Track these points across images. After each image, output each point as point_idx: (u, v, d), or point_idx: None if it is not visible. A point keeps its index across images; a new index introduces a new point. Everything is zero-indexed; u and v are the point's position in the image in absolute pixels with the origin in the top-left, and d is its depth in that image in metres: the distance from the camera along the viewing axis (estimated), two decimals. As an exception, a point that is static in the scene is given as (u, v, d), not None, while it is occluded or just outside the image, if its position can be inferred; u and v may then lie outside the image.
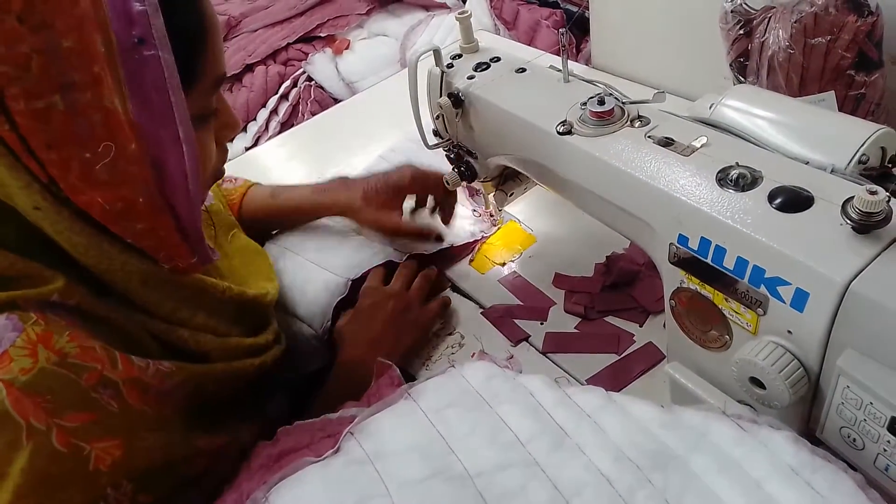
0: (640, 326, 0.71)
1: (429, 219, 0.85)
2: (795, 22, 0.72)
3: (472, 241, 0.86)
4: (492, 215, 0.87)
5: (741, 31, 0.78)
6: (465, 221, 0.88)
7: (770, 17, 0.75)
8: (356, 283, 0.78)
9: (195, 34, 0.47)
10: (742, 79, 0.81)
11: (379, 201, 0.79)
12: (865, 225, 0.41)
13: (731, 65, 0.81)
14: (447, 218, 0.85)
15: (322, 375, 0.70)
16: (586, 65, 1.18)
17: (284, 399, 0.69)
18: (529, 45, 1.29)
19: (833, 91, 0.73)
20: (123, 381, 0.46)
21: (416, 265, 0.81)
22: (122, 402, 0.46)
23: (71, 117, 0.41)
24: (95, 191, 0.43)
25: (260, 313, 0.66)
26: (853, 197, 0.42)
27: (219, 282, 0.59)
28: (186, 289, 0.55)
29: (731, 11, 0.78)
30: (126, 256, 0.47)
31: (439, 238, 0.83)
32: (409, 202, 0.83)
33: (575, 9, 1.29)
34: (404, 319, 0.73)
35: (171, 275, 0.52)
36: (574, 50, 1.26)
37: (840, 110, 0.74)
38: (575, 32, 1.26)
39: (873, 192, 0.41)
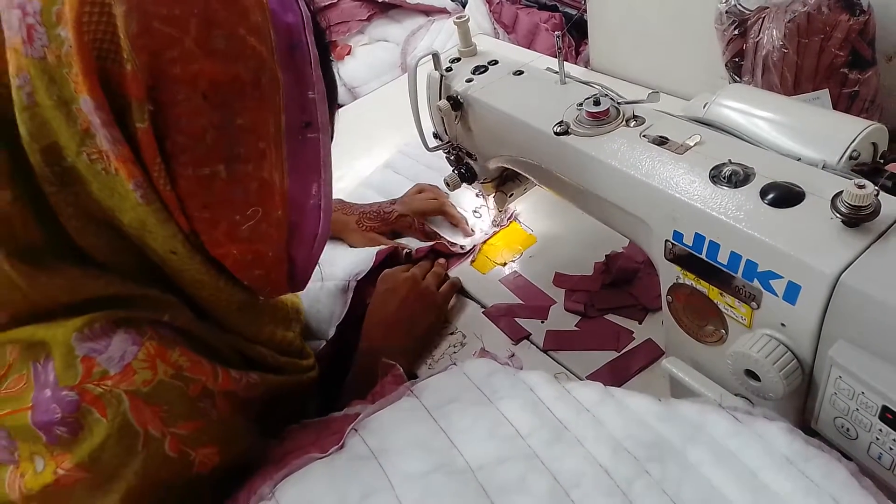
0: (640, 323, 0.71)
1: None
2: (789, 21, 0.73)
3: (473, 244, 0.87)
4: (495, 219, 0.88)
5: (736, 32, 0.79)
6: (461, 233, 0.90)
7: (764, 18, 0.76)
8: (360, 286, 0.79)
9: (329, 101, 0.50)
10: (738, 78, 0.82)
11: (369, 226, 0.88)
12: (854, 218, 0.42)
13: (726, 65, 0.82)
14: (463, 228, 0.90)
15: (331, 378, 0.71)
16: (585, 67, 1.19)
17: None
18: (529, 48, 1.30)
19: (827, 89, 0.74)
20: (219, 393, 0.49)
21: (431, 263, 0.84)
22: (219, 412, 0.49)
23: (230, 185, 0.44)
24: (234, 245, 0.46)
25: (301, 320, 0.70)
26: (842, 191, 0.43)
27: (284, 297, 0.65)
28: (268, 310, 0.59)
29: (726, 12, 0.79)
30: (232, 290, 0.50)
31: (408, 254, 0.86)
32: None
33: (574, 12, 1.30)
34: (420, 302, 0.75)
35: (260, 301, 0.56)
36: (574, 52, 1.27)
37: (834, 108, 0.75)
38: (574, 35, 1.27)
39: (861, 187, 0.42)
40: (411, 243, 0.87)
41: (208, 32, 0.40)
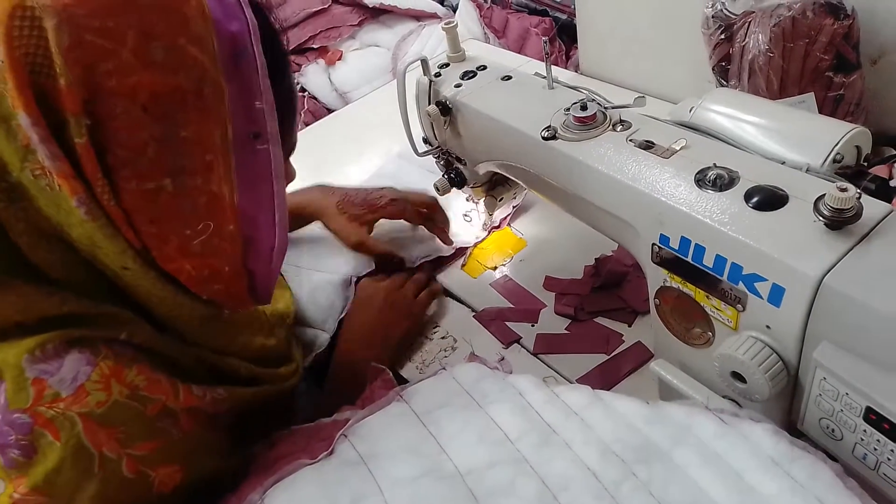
0: (629, 326, 0.72)
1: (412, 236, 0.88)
2: (774, 26, 0.74)
3: (462, 248, 0.87)
4: (485, 223, 0.88)
5: (722, 36, 0.80)
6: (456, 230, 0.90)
7: (750, 22, 0.76)
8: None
9: (285, 110, 0.49)
10: (724, 82, 0.82)
11: (352, 213, 0.83)
12: (837, 221, 0.43)
13: (713, 69, 0.83)
14: (443, 236, 0.87)
15: None
16: (575, 71, 1.20)
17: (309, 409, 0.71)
18: (519, 52, 1.30)
19: (812, 93, 0.75)
20: (182, 410, 0.48)
21: (411, 273, 0.83)
22: (180, 430, 0.48)
23: (177, 198, 0.43)
24: (186, 260, 0.45)
25: (287, 326, 0.69)
26: (825, 194, 0.43)
27: (260, 308, 0.63)
28: (241, 320, 0.58)
29: (713, 17, 0.80)
30: (193, 304, 0.49)
31: (401, 262, 0.84)
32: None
33: (564, 17, 1.30)
34: (396, 311, 0.75)
35: (225, 314, 0.55)
36: (564, 57, 1.28)
37: (820, 111, 0.76)
38: (564, 40, 1.28)
39: (844, 190, 0.42)
40: (404, 249, 0.86)
41: (146, 44, 0.40)
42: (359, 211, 0.83)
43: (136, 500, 0.45)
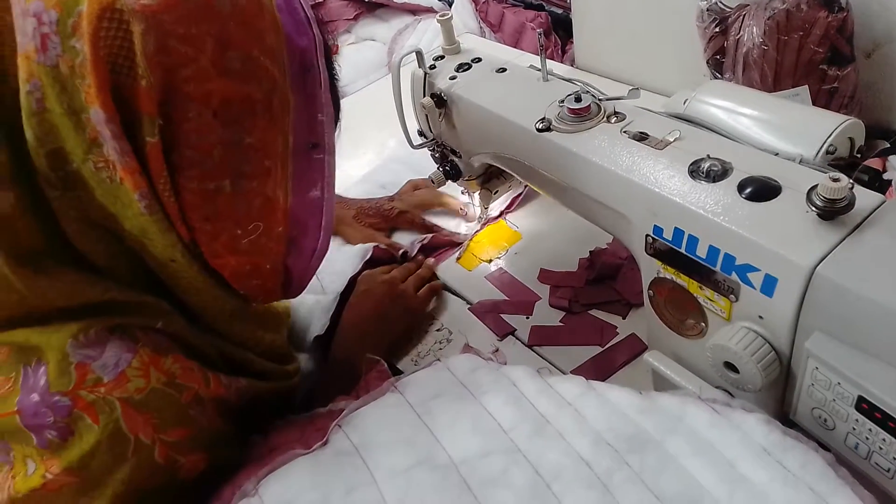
0: (623, 318, 0.72)
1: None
2: (768, 19, 0.74)
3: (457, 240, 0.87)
4: (480, 216, 0.88)
5: (717, 29, 0.80)
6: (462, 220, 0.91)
7: (744, 15, 0.76)
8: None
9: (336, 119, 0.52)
10: (719, 75, 0.82)
11: (368, 223, 0.88)
12: (830, 211, 0.43)
13: (707, 62, 0.83)
14: (463, 215, 0.91)
15: None
16: (571, 66, 1.20)
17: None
18: (515, 47, 1.30)
19: (807, 86, 0.75)
20: (210, 400, 0.50)
21: (416, 265, 0.84)
22: (208, 419, 0.50)
23: (234, 199, 0.45)
24: (232, 256, 0.47)
25: (287, 324, 0.70)
26: (818, 185, 0.43)
27: (274, 304, 0.65)
28: (258, 314, 0.59)
29: (707, 10, 0.80)
30: (226, 297, 0.51)
31: (404, 254, 0.87)
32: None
33: (560, 11, 1.30)
34: (395, 305, 0.75)
35: (253, 307, 0.57)
36: (559, 52, 1.27)
37: (814, 104, 0.76)
38: (560, 34, 1.28)
39: (836, 180, 0.42)
40: (404, 238, 0.88)
41: (224, 53, 0.41)
42: (374, 220, 0.89)
43: (163, 486, 0.47)
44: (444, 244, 0.87)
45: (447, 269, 0.84)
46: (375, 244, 0.84)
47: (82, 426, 0.42)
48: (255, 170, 0.45)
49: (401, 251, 0.86)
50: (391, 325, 0.74)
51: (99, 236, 0.45)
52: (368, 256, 0.82)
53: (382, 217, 0.89)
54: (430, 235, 0.87)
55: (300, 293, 0.55)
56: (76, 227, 0.43)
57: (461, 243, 0.87)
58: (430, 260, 0.85)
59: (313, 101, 0.47)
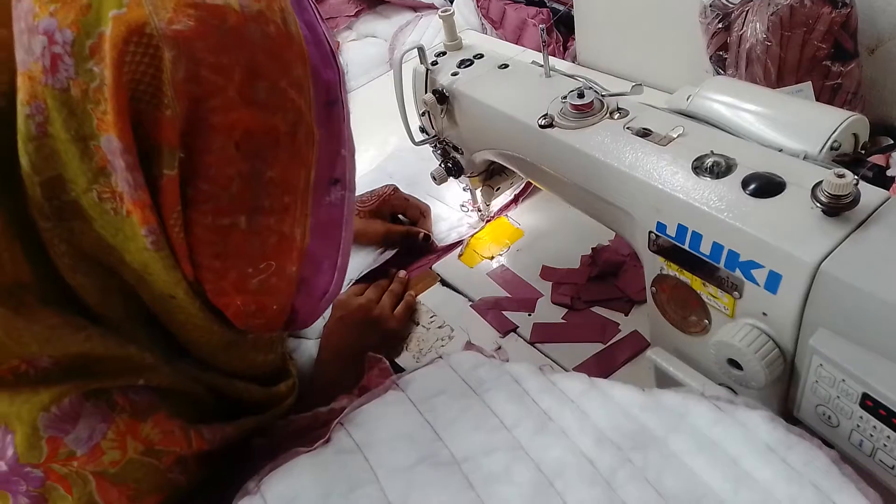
0: (626, 315, 0.72)
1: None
2: (772, 15, 0.73)
3: (458, 239, 0.87)
4: (480, 210, 0.88)
5: (720, 25, 0.79)
6: (451, 221, 0.90)
7: (747, 11, 0.76)
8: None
9: None
10: (722, 71, 0.82)
11: (365, 211, 0.85)
12: (834, 208, 0.43)
13: (710, 58, 0.83)
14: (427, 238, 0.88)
15: None
16: (573, 62, 1.19)
17: None
18: (517, 43, 1.30)
19: (810, 82, 0.75)
20: (192, 457, 0.48)
21: (388, 282, 0.82)
22: (190, 475, 0.48)
23: (248, 236, 0.43)
24: (239, 296, 0.45)
25: (283, 340, 0.68)
26: (822, 181, 0.43)
27: None
28: (254, 341, 0.56)
29: (710, 6, 0.79)
30: (223, 331, 0.48)
31: (426, 237, 0.86)
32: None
33: (561, 7, 1.30)
34: (373, 332, 0.73)
35: (249, 338, 0.53)
36: (561, 48, 1.27)
37: (817, 100, 0.76)
38: (562, 31, 1.27)
39: (841, 176, 0.42)
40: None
41: (252, 83, 0.39)
42: (371, 207, 0.85)
43: None
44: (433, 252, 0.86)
45: (449, 265, 0.84)
46: (368, 264, 0.82)
47: (56, 496, 0.41)
48: (273, 205, 0.43)
49: (421, 235, 0.85)
50: (367, 351, 0.70)
51: (90, 269, 0.42)
52: (361, 276, 0.81)
53: (377, 197, 0.85)
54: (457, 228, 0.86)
55: (302, 329, 0.53)
56: (67, 259, 0.41)
57: (452, 246, 0.86)
58: (402, 273, 0.82)
59: (337, 135, 0.46)
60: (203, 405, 0.51)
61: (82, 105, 0.36)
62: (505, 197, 0.90)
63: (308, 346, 0.75)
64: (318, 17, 0.45)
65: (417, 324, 0.77)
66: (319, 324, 0.77)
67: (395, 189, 0.86)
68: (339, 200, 0.48)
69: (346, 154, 0.47)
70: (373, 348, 0.70)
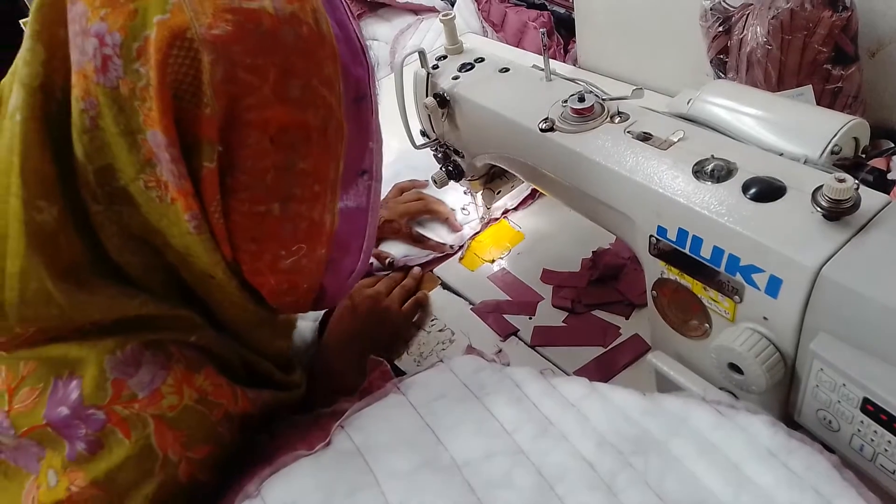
0: (626, 319, 0.72)
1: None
2: (772, 18, 0.73)
3: (461, 244, 0.87)
4: (482, 216, 0.88)
5: (720, 29, 0.79)
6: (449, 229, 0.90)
7: (748, 14, 0.76)
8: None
9: None
10: (722, 75, 0.82)
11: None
12: (835, 212, 0.43)
13: (711, 62, 0.83)
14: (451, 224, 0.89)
15: None
16: (574, 65, 1.19)
17: None
18: (517, 46, 1.30)
19: (811, 85, 0.75)
20: (237, 416, 0.50)
21: (402, 276, 0.82)
22: (233, 435, 0.50)
23: (282, 222, 0.46)
24: (273, 276, 0.48)
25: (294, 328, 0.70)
26: (823, 185, 0.43)
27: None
28: (280, 323, 0.59)
29: (711, 9, 0.79)
30: (257, 309, 0.51)
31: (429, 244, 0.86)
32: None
33: (562, 10, 1.30)
34: (379, 324, 0.74)
35: (279, 318, 0.57)
36: (562, 51, 1.27)
37: (818, 104, 0.76)
38: (563, 34, 1.27)
39: (842, 181, 0.42)
40: (393, 248, 0.86)
41: (286, 82, 0.41)
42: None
43: (181, 502, 0.47)
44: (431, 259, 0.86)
45: (449, 268, 0.84)
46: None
47: (113, 440, 0.43)
48: (304, 194, 0.46)
49: (387, 260, 0.84)
50: (375, 344, 0.72)
51: (138, 249, 0.45)
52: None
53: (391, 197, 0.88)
54: (413, 255, 0.85)
55: (330, 307, 0.55)
56: (116, 240, 0.44)
57: (449, 254, 0.86)
58: (417, 269, 0.83)
59: (366, 129, 0.48)
60: (238, 378, 0.53)
61: (130, 102, 0.40)
62: (507, 200, 0.89)
63: (300, 326, 0.75)
64: (350, 14, 0.47)
65: (419, 327, 0.77)
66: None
67: (386, 221, 0.86)
68: (366, 189, 0.51)
69: (374, 146, 0.50)
70: (377, 338, 0.72)
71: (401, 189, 0.93)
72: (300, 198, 0.46)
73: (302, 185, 0.45)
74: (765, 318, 0.46)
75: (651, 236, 0.52)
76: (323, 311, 0.76)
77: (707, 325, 0.52)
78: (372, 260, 0.84)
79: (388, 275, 0.83)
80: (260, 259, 0.47)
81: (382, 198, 0.91)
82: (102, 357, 0.43)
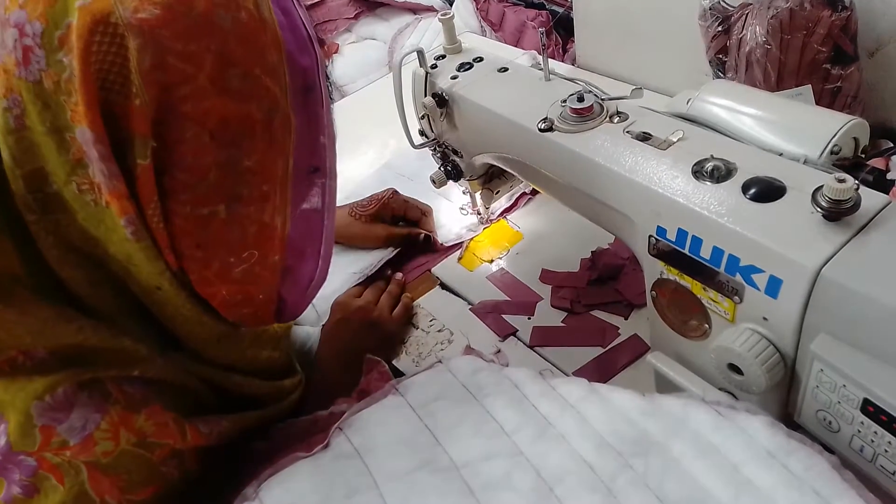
0: (625, 319, 0.72)
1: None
2: (772, 18, 0.73)
3: (459, 241, 0.87)
4: (479, 213, 0.88)
5: (719, 29, 0.79)
6: (452, 222, 0.90)
7: (747, 14, 0.76)
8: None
9: None
10: (721, 75, 0.82)
11: (365, 216, 0.84)
12: (835, 212, 0.43)
13: (710, 61, 0.83)
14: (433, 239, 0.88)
15: None
16: (572, 65, 1.19)
17: None
18: (516, 46, 1.29)
19: (810, 85, 0.75)
20: (188, 451, 0.48)
21: (385, 283, 0.81)
22: (183, 470, 0.48)
23: (228, 226, 0.43)
24: (224, 286, 0.45)
25: (289, 336, 0.68)
26: (823, 186, 0.43)
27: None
28: (246, 336, 0.56)
29: (710, 9, 0.79)
30: (214, 323, 0.48)
31: (427, 237, 0.86)
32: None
33: (560, 10, 1.30)
34: (372, 335, 0.73)
35: (242, 331, 0.53)
36: (560, 50, 1.27)
37: (817, 104, 0.76)
38: (561, 33, 1.27)
39: (842, 181, 0.42)
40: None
41: (223, 70, 0.39)
42: (370, 210, 0.84)
43: None
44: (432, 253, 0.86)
45: (448, 268, 0.84)
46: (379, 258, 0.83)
47: (48, 486, 0.41)
48: (252, 194, 0.43)
49: (422, 235, 0.85)
50: (371, 354, 0.70)
51: (80, 262, 0.42)
52: (365, 277, 0.81)
53: (377, 201, 0.84)
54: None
55: (293, 320, 0.53)
56: (55, 252, 0.41)
57: (451, 248, 0.86)
58: (398, 274, 0.82)
59: (315, 122, 0.45)
60: (203, 399, 0.51)
61: (55, 97, 0.37)
62: (504, 201, 0.89)
63: (297, 331, 0.75)
64: (295, 1, 0.44)
65: (417, 327, 0.77)
66: (311, 313, 0.77)
67: (395, 192, 0.86)
68: (319, 188, 0.47)
69: (326, 141, 0.46)
70: (371, 350, 0.70)
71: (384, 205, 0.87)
72: (247, 198, 0.42)
73: (248, 184, 0.42)
74: (765, 319, 0.46)
75: (650, 236, 0.52)
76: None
77: (707, 325, 0.51)
78: (382, 256, 0.84)
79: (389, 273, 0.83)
80: (208, 267, 0.44)
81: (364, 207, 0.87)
82: (29, 403, 0.40)
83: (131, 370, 0.45)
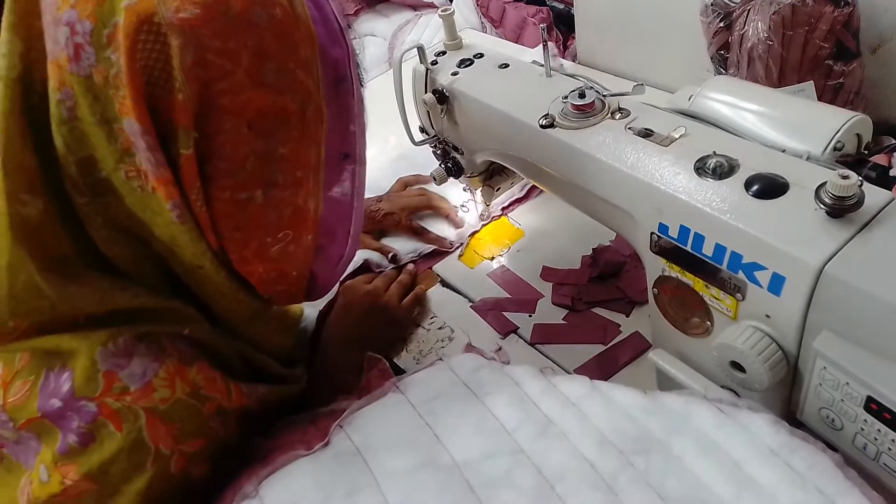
0: (627, 317, 0.71)
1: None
2: (774, 14, 0.73)
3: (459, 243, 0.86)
4: (482, 214, 0.87)
5: (721, 24, 0.79)
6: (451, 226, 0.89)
7: (749, 10, 0.76)
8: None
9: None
10: (723, 71, 0.82)
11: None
12: (838, 209, 0.42)
13: (712, 57, 0.82)
14: (453, 220, 0.88)
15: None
16: (573, 61, 1.19)
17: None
18: (516, 42, 1.29)
19: (812, 81, 0.74)
20: (231, 410, 0.50)
21: (397, 273, 0.82)
22: (227, 430, 0.50)
23: (265, 209, 0.46)
24: (260, 264, 0.48)
25: (298, 325, 0.71)
26: (826, 182, 0.43)
27: (291, 307, 0.66)
28: (276, 317, 0.59)
29: (711, 5, 0.79)
30: (250, 300, 0.51)
31: (394, 258, 0.86)
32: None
33: (561, 6, 1.29)
34: (379, 320, 0.73)
35: (274, 310, 0.57)
36: (561, 47, 1.27)
37: (819, 100, 0.75)
38: (562, 29, 1.27)
39: (845, 177, 0.41)
40: (396, 243, 0.86)
41: (260, 65, 0.41)
42: (366, 223, 0.85)
43: (175, 496, 0.47)
44: (433, 253, 0.85)
45: (449, 266, 0.83)
46: (365, 258, 0.83)
47: (104, 433, 0.42)
48: (286, 180, 0.45)
49: (390, 254, 0.84)
50: (375, 341, 0.71)
51: (126, 241, 0.45)
52: (357, 266, 0.81)
53: (370, 219, 0.86)
54: (420, 250, 0.85)
55: (323, 296, 0.55)
56: (103, 232, 0.44)
57: (450, 251, 0.85)
58: (411, 266, 0.83)
59: (346, 112, 0.48)
60: (234, 371, 0.52)
61: (104, 90, 0.39)
62: (507, 196, 0.89)
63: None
64: None
65: (418, 325, 0.77)
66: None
67: (387, 214, 0.86)
68: (350, 174, 0.51)
69: (356, 130, 0.49)
70: (377, 336, 0.72)
71: (405, 183, 0.93)
72: (282, 184, 0.45)
73: (283, 171, 0.45)
74: (767, 316, 0.46)
75: (652, 233, 0.52)
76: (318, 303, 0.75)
77: (709, 322, 0.51)
78: (373, 255, 0.84)
79: (391, 268, 0.83)
80: (246, 247, 0.46)
81: (385, 191, 0.91)
82: (94, 349, 0.43)
83: (182, 329, 0.47)
